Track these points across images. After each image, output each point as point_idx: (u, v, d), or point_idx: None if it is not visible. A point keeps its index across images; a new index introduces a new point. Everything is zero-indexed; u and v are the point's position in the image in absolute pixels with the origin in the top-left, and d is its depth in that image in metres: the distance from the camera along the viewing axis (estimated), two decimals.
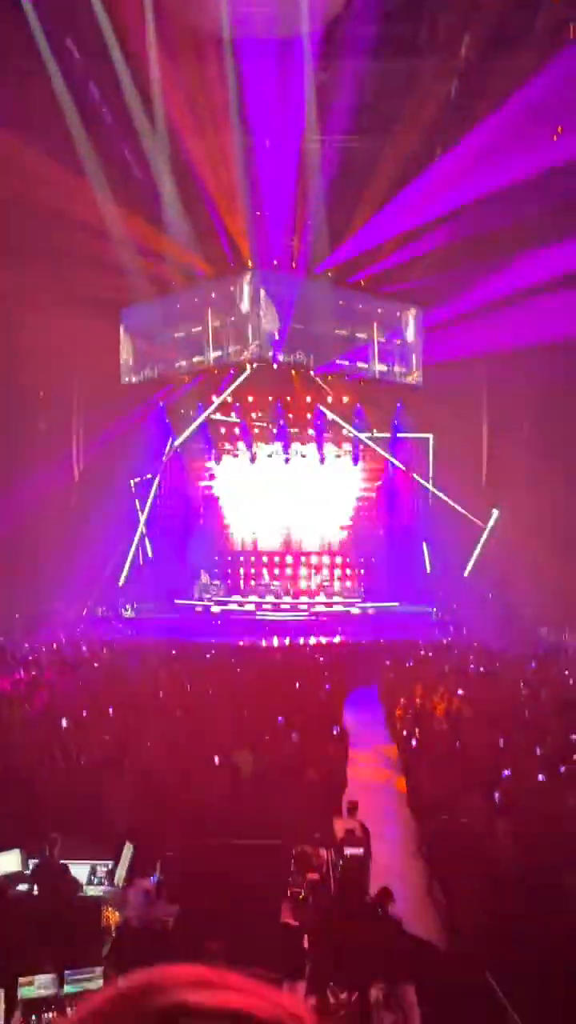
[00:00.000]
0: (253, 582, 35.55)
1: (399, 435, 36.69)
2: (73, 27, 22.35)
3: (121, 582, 34.79)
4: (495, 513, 34.11)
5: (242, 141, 25.83)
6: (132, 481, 36.59)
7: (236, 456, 36.38)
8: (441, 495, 35.77)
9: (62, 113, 24.13)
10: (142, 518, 36.47)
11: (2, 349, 28.81)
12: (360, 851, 8.43)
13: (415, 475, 36.91)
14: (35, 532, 30.64)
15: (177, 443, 36.52)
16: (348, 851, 8.35)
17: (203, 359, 33.49)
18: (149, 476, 36.92)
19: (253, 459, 36.18)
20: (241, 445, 36.21)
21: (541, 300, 27.63)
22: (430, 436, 36.66)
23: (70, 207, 26.10)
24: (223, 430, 36.31)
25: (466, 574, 34.21)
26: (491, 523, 34.18)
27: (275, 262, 31.58)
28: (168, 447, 36.72)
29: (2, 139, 23.12)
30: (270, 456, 36.44)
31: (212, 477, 37.27)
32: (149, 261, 30.91)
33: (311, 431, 35.88)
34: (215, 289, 32.40)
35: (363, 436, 36.07)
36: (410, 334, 34.76)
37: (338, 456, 36.48)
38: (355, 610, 33.73)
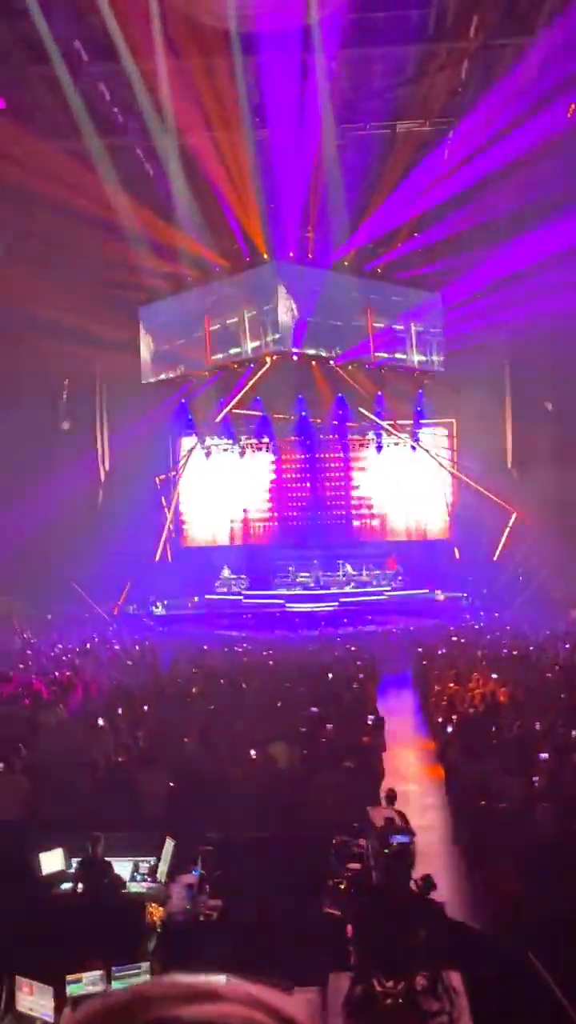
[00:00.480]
0: (281, 574, 35.50)
1: (421, 421, 36.50)
2: (80, 29, 22.45)
3: (157, 557, 35.08)
4: (514, 516, 33.79)
5: (253, 134, 25.80)
6: (158, 478, 36.74)
7: (259, 449, 36.33)
8: (466, 479, 35.62)
9: (73, 115, 24.24)
10: (168, 515, 36.62)
11: (24, 351, 28.99)
12: (406, 839, 8.42)
13: (439, 460, 36.76)
14: (64, 532, 30.87)
15: (200, 439, 36.64)
16: (395, 839, 8.33)
17: (223, 354, 33.52)
18: (174, 473, 37.08)
19: (276, 451, 36.15)
20: (264, 438, 36.11)
21: (559, 274, 27.41)
22: (452, 421, 36.54)
23: (85, 208, 26.21)
24: (245, 424, 36.25)
25: (495, 558, 33.99)
26: (511, 522, 33.86)
27: (291, 254, 31.51)
28: (192, 443, 36.82)
29: (16, 143, 23.29)
30: (293, 448, 36.35)
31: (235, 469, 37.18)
32: (165, 259, 30.99)
33: (333, 422, 35.76)
34: (233, 284, 32.38)
35: (386, 424, 35.90)
36: (430, 320, 34.57)
37: (361, 446, 36.34)
38: (385, 597, 33.67)
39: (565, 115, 24.29)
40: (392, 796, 10.01)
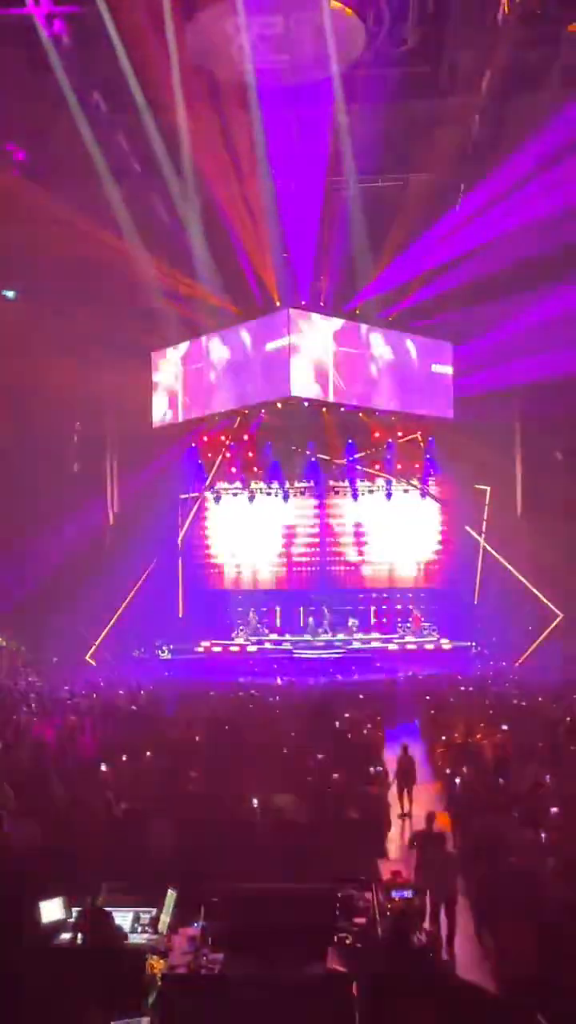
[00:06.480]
0: (310, 619, 35.19)
1: (431, 469, 36.43)
2: (100, 81, 22.94)
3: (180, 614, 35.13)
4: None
5: (269, 185, 26.17)
6: (166, 523, 36.77)
7: (269, 495, 36.35)
8: (474, 533, 35.49)
9: (92, 164, 24.67)
10: (180, 553, 36.74)
11: (36, 393, 29.19)
12: (408, 894, 8.24)
13: (445, 508, 36.71)
14: (72, 575, 30.82)
15: (209, 484, 36.73)
16: (397, 894, 8.15)
17: (234, 400, 33.64)
18: (183, 518, 37.16)
19: (286, 497, 36.18)
20: (275, 484, 36.12)
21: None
22: (461, 469, 36.45)
23: (101, 255, 26.55)
24: (256, 469, 36.30)
25: (518, 664, 32.75)
26: (558, 620, 33.00)
27: (303, 301, 31.76)
28: (203, 488, 36.86)
29: (32, 191, 23.73)
30: (303, 494, 36.47)
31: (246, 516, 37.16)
32: (178, 304, 31.32)
33: (337, 461, 35.80)
34: (245, 330, 32.57)
35: (436, 476, 35.93)
36: (441, 368, 34.64)
37: (371, 492, 36.31)
38: (393, 646, 33.46)
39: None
40: (432, 818, 10.04)
